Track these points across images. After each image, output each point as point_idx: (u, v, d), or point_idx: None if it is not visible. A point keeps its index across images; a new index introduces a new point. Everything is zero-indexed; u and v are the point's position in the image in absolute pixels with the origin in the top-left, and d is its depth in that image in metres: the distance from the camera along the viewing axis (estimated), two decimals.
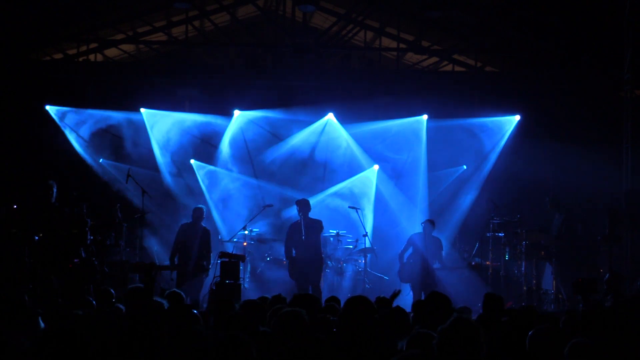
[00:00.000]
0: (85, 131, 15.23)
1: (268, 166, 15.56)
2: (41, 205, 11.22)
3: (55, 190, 11.24)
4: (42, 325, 5.75)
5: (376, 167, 15.40)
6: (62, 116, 15.18)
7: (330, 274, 13.46)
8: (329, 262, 13.35)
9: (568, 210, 13.75)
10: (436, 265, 12.42)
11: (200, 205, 12.91)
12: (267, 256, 13.70)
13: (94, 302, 6.69)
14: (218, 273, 11.56)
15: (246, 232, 13.71)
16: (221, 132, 15.55)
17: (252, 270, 13.68)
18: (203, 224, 12.63)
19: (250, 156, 15.67)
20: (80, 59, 15.70)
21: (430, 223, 12.65)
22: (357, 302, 4.97)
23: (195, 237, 12.35)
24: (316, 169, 15.65)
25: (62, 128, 15.15)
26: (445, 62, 16.61)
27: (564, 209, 13.73)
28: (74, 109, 15.19)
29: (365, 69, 16.92)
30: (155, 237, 14.19)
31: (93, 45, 15.79)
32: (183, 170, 15.52)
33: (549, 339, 4.73)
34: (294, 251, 12.08)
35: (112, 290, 7.45)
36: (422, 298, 12.11)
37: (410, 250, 12.59)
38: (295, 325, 5.02)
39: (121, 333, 4.86)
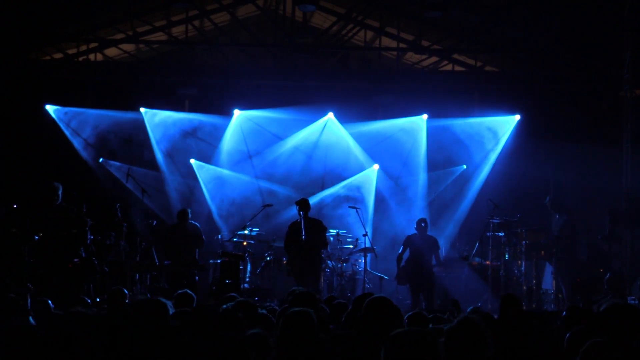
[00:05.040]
0: (85, 131, 15.23)
1: (268, 166, 15.56)
2: (44, 206, 11.22)
3: (60, 192, 11.26)
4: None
5: (376, 166, 15.39)
6: (62, 116, 15.17)
7: (330, 273, 13.44)
8: (329, 262, 13.34)
9: (568, 210, 13.74)
10: (433, 263, 12.36)
11: (184, 208, 13.04)
12: (267, 256, 13.69)
13: (88, 301, 6.68)
14: (218, 273, 11.57)
15: (246, 231, 13.70)
16: (221, 132, 15.55)
17: (252, 270, 13.67)
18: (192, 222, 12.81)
19: (250, 156, 15.67)
20: (80, 59, 15.69)
21: (424, 222, 12.56)
22: (381, 304, 4.87)
23: (183, 237, 12.53)
24: (316, 169, 15.65)
25: (62, 128, 15.14)
26: (445, 62, 16.59)
27: (565, 208, 13.72)
28: (73, 109, 15.19)
29: (365, 69, 16.91)
30: (154, 237, 14.17)
31: (93, 45, 15.78)
32: (183, 170, 15.52)
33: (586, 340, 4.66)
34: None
35: (125, 291, 7.43)
36: (421, 300, 12.12)
37: (407, 252, 12.51)
38: (304, 325, 4.93)
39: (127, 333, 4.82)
